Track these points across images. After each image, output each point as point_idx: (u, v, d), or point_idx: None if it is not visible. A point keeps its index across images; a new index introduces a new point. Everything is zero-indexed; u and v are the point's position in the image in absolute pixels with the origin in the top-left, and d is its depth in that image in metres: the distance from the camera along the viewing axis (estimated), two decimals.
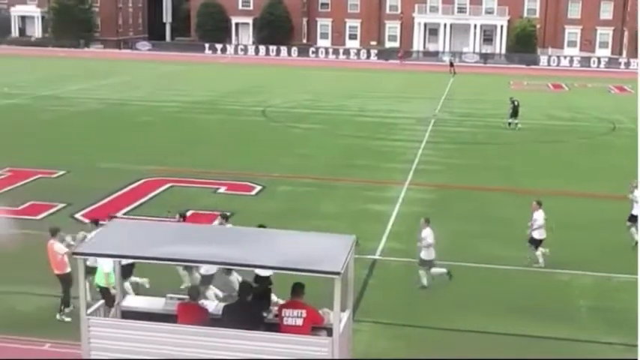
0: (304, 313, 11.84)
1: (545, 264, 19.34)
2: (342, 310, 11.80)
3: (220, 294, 16.33)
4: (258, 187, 27.75)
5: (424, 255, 17.80)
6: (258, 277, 15.96)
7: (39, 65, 76.73)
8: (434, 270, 18.03)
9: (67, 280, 16.02)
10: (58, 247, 15.94)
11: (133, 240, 12.85)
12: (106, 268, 14.68)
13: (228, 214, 18.81)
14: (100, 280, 15.05)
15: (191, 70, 76.90)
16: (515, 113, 42.76)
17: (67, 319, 15.59)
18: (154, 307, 13.05)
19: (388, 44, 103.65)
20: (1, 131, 38.23)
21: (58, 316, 15.84)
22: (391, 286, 18.31)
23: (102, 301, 13.19)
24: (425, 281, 17.90)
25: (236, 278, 16.53)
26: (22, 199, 24.94)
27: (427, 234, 17.75)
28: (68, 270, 15.91)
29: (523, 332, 15.62)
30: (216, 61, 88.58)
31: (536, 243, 19.41)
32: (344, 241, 12.41)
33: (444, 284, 18.00)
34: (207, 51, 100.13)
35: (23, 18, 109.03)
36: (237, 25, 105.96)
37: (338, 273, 11.10)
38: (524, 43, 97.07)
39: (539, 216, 19.27)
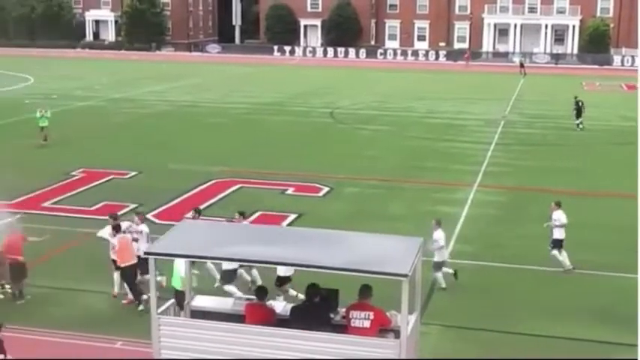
0: (372, 314, 11.81)
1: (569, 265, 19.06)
2: (410, 312, 11.73)
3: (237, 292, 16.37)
4: (326, 189, 27.80)
5: (437, 257, 17.76)
6: (279, 277, 16.25)
7: (112, 68, 78.29)
8: (444, 269, 18.01)
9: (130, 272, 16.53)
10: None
11: (203, 240, 13.00)
12: (182, 271, 14.83)
13: (200, 208, 19.49)
14: (176, 282, 15.22)
15: (260, 72, 77.50)
16: (579, 113, 41.99)
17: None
18: (222, 307, 13.19)
19: (457, 45, 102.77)
20: (75, 133, 39.13)
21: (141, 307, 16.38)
22: (459, 288, 18.14)
23: (172, 301, 13.38)
24: (444, 283, 17.82)
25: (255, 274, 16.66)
26: (96, 199, 25.46)
27: (439, 236, 17.69)
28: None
29: (593, 338, 15.32)
30: (284, 63, 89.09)
31: (556, 244, 19.14)
32: (412, 243, 12.34)
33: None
34: (275, 53, 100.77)
35: (97, 22, 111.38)
36: (305, 27, 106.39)
37: (406, 275, 11.05)
38: (596, 43, 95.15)
39: (558, 216, 19.05)
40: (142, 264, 16.41)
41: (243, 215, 18.45)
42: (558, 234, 19.07)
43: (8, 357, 12.15)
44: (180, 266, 14.95)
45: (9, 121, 40.52)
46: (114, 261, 17.23)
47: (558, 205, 19.43)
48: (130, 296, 17.01)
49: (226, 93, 58.10)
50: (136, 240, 17.28)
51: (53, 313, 16.49)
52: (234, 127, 42.35)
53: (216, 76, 72.54)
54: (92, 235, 20.52)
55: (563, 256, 19.07)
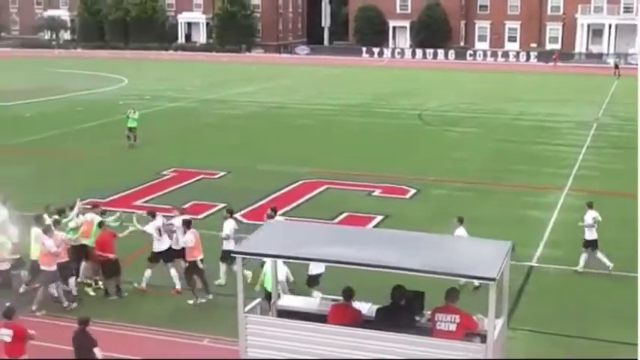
0: (458, 318, 11.71)
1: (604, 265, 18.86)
2: (497, 316, 11.58)
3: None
4: (413, 191, 27.67)
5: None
6: (310, 277, 16.49)
7: (203, 70, 79.64)
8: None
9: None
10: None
11: (289, 240, 13.11)
12: (280, 276, 14.89)
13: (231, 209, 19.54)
14: (267, 284, 15.35)
15: (348, 74, 77.62)
16: None
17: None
18: (308, 307, 13.27)
19: (549, 46, 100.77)
20: (167, 133, 39.98)
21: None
22: (548, 294, 17.81)
23: (259, 300, 13.52)
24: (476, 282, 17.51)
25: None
26: (185, 198, 25.94)
27: (461, 233, 17.61)
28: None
29: None
30: (372, 65, 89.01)
31: (589, 244, 19.05)
32: (499, 246, 12.18)
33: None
34: (364, 54, 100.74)
35: (189, 24, 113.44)
36: (394, 28, 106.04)
37: (493, 279, 10.91)
38: None
39: (588, 217, 19.14)
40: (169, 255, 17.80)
41: (231, 213, 18.86)
42: (589, 234, 19.04)
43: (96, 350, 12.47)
44: (279, 269, 14.95)
45: (103, 121, 41.65)
46: (157, 253, 17.84)
47: (590, 206, 19.51)
48: (178, 287, 17.69)
49: (314, 94, 58.41)
50: (173, 232, 17.97)
51: (142, 310, 16.90)
52: (322, 128, 42.54)
53: (304, 78, 73.02)
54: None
55: (582, 258, 19.10)
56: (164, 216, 18.77)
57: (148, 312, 16.76)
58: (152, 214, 18.29)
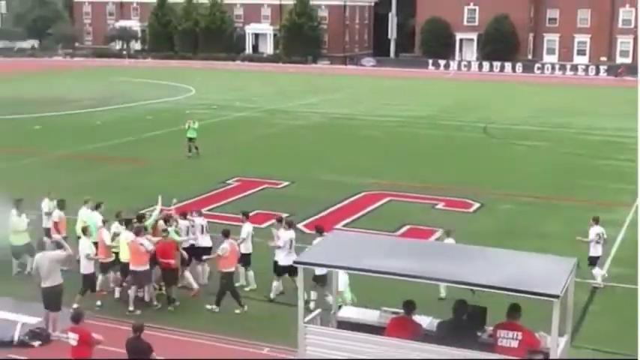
0: (520, 335, 11.50)
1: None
2: (560, 334, 11.34)
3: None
4: (477, 205, 27.35)
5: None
6: (315, 276, 16.85)
7: (270, 80, 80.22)
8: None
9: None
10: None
11: (350, 251, 13.06)
12: (340, 285, 14.85)
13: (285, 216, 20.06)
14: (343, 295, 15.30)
15: (414, 86, 77.32)
16: None
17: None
18: (368, 319, 13.19)
19: (619, 60, 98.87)
20: (233, 142, 40.35)
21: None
22: (614, 312, 17.39)
23: (319, 310, 13.49)
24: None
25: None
26: (249, 207, 25.97)
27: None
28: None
29: None
30: (439, 77, 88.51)
31: (591, 260, 19.05)
32: (564, 263, 11.94)
33: None
34: (430, 67, 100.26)
35: (257, 35, 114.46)
36: (461, 40, 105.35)
37: (557, 296, 10.69)
38: None
39: (592, 232, 19.20)
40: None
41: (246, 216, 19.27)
42: (593, 251, 19.06)
43: (154, 356, 12.56)
44: (339, 282, 14.84)
45: (171, 129, 42.19)
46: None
47: (596, 221, 19.46)
48: (196, 286, 18.12)
49: (380, 106, 58.31)
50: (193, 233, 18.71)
51: (204, 316, 17.02)
52: (387, 139, 42.41)
53: (370, 89, 72.96)
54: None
55: (596, 271, 19.14)
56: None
57: (207, 318, 16.88)
58: (183, 215, 18.95)
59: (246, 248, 18.43)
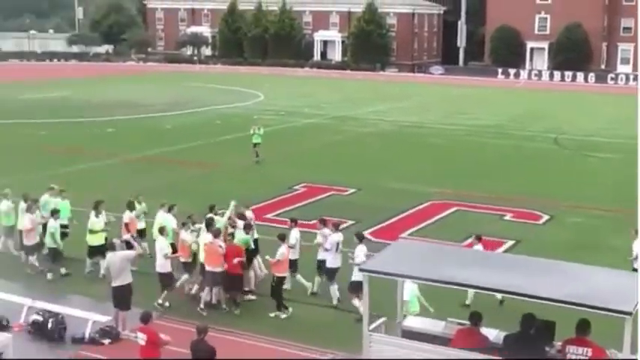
0: (590, 352, 11.30)
1: None
2: (633, 352, 11.08)
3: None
4: (546, 217, 26.93)
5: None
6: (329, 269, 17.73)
7: (338, 87, 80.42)
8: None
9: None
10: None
11: (417, 261, 13.00)
12: (406, 295, 14.80)
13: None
14: (414, 306, 15.23)
15: (483, 95, 76.61)
16: None
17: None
18: (433, 329, 13.11)
19: None
20: (301, 148, 40.56)
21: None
22: None
23: (384, 319, 13.46)
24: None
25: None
26: (315, 214, 26.11)
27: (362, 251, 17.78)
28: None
29: None
30: (508, 86, 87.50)
31: None
32: (636, 278, 11.67)
33: None
34: (499, 76, 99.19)
35: (325, 42, 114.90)
36: (532, 49, 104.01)
37: (629, 313, 10.46)
38: None
39: (636, 246, 18.38)
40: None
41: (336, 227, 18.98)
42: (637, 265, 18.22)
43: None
44: (405, 289, 14.82)
45: (239, 135, 42.55)
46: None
47: (636, 232, 18.58)
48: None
49: (448, 114, 57.94)
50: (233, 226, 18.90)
51: (268, 320, 17.15)
52: (454, 148, 42.10)
53: (438, 98, 72.56)
54: (309, 247, 21.10)
55: None
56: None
57: (271, 322, 16.98)
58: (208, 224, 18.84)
59: (293, 254, 18.50)
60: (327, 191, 29.84)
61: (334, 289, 18.06)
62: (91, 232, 19.36)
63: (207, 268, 17.63)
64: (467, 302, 16.81)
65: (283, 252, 17.54)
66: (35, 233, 19.83)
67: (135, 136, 43.40)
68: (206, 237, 17.85)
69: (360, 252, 17.28)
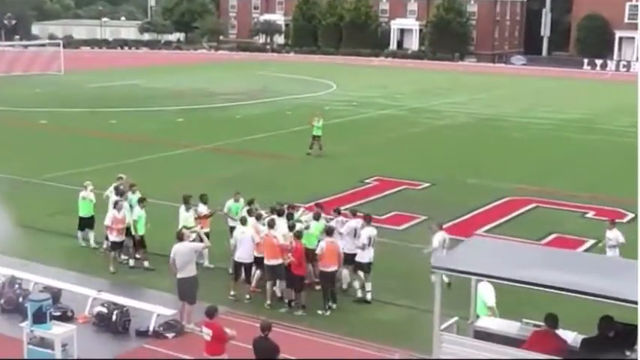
0: None
1: None
2: None
3: None
4: (631, 215, 26.32)
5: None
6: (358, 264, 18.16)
7: (414, 77, 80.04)
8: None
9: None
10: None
11: (492, 259, 12.85)
12: (489, 300, 14.63)
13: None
14: (481, 310, 15.12)
15: (566, 87, 75.24)
16: None
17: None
18: (507, 330, 12.94)
19: None
20: (374, 141, 40.49)
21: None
22: None
23: (456, 318, 13.35)
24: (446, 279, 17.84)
25: None
26: (387, 208, 26.12)
27: (437, 239, 18.39)
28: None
29: None
30: (594, 78, 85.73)
31: None
32: None
33: None
34: (585, 67, 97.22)
35: (402, 31, 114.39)
36: (620, 39, 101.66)
37: None
38: None
39: (612, 235, 19.27)
40: None
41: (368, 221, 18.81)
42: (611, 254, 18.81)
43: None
44: (486, 295, 14.60)
45: (309, 126, 42.67)
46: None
47: (613, 223, 19.63)
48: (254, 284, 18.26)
49: (529, 107, 57.09)
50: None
51: (332, 317, 17.23)
52: (536, 143, 41.45)
53: (519, 89, 71.54)
54: (384, 244, 21.11)
55: None
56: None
57: (337, 319, 17.04)
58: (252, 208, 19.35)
59: (363, 256, 18.41)
60: (400, 185, 29.74)
61: (346, 274, 18.64)
62: (185, 227, 19.35)
63: (265, 262, 17.78)
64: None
65: (322, 246, 17.59)
66: (123, 229, 20.21)
67: (204, 126, 43.95)
68: (261, 228, 18.11)
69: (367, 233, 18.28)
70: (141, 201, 20.19)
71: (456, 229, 23.45)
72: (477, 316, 13.71)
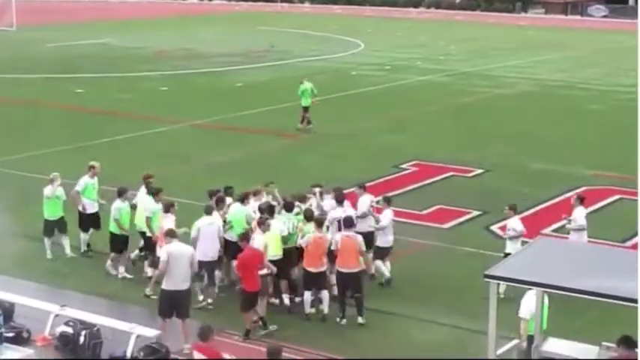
0: None
1: None
2: None
3: None
4: None
5: (379, 242, 19.53)
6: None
7: (463, 34, 79.72)
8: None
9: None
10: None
11: (563, 265, 12.85)
12: (523, 309, 14.64)
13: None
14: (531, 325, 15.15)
15: None
16: None
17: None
18: (583, 356, 12.97)
19: None
20: (411, 114, 40.49)
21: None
22: None
23: (516, 342, 13.40)
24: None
25: None
26: (429, 201, 26.09)
27: (386, 216, 19.48)
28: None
29: None
30: None
31: None
32: None
33: None
34: None
35: None
36: None
37: None
38: None
39: (578, 215, 19.90)
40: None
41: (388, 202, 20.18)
42: (575, 237, 19.50)
43: None
44: (531, 299, 14.69)
45: (330, 96, 42.60)
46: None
47: (580, 200, 20.35)
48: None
49: (610, 71, 56.84)
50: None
51: (359, 337, 17.30)
52: (620, 117, 41.18)
53: (598, 48, 71.15)
54: (424, 246, 21.14)
55: None
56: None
57: (368, 339, 17.09)
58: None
59: (383, 240, 19.43)
60: (445, 172, 29.72)
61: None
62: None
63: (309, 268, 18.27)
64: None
65: (337, 240, 17.85)
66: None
67: (195, 97, 44.06)
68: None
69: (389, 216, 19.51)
70: (156, 193, 19.94)
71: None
72: (545, 338, 13.74)
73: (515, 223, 19.18)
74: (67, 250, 21.27)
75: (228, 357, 13.38)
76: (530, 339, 14.19)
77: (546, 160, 31.69)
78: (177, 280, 16.35)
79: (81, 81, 47.68)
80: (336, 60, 58.92)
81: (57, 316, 16.90)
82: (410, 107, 42.39)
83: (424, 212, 25.00)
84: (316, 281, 17.92)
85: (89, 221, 21.41)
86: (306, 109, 35.96)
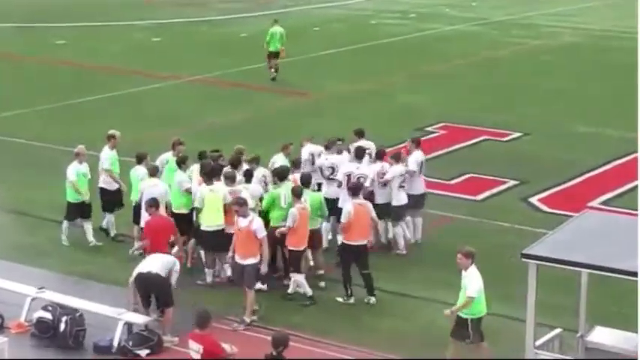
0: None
1: None
2: None
3: None
4: None
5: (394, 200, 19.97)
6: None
7: None
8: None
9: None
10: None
11: (612, 244, 12.81)
12: (470, 287, 14.65)
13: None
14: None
15: None
16: None
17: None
18: (627, 347, 12.98)
19: None
20: (437, 69, 40.41)
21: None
22: None
23: (558, 330, 13.37)
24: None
25: None
26: (458, 169, 26.02)
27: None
28: None
29: None
30: None
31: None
32: None
33: None
34: None
35: None
36: None
37: None
38: None
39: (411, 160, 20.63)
40: None
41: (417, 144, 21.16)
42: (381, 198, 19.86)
43: None
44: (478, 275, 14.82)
45: (346, 48, 42.54)
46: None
47: (417, 144, 21.34)
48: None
49: None
50: None
51: (379, 325, 17.36)
52: None
53: None
54: (452, 221, 21.10)
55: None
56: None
57: (386, 328, 17.18)
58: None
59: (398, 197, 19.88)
60: (477, 135, 29.66)
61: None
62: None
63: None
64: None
65: (349, 210, 17.82)
66: None
67: (192, 49, 43.98)
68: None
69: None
70: (182, 162, 19.83)
71: (559, 200, 23.40)
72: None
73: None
74: (90, 237, 20.72)
75: (228, 347, 13.33)
76: (462, 322, 14.45)
77: (593, 122, 31.60)
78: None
79: (61, 31, 47.56)
80: (353, 7, 58.76)
81: (34, 299, 16.87)
82: (436, 61, 42.27)
83: (453, 182, 24.96)
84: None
85: (114, 200, 21.04)
86: (275, 54, 36.35)
